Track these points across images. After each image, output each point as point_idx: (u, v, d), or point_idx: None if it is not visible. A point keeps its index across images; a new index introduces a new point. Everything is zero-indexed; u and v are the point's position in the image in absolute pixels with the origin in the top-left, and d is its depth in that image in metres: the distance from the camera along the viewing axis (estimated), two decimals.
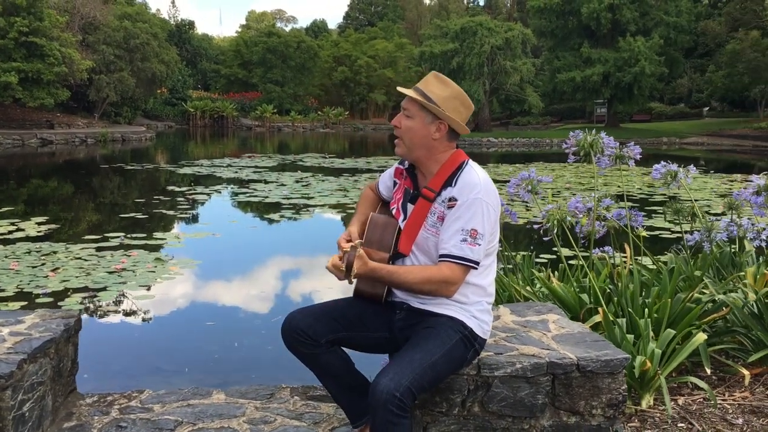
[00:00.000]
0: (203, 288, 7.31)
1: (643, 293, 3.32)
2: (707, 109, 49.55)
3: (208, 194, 14.68)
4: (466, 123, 2.38)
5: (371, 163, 22.80)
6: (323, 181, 17.10)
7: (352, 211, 12.05)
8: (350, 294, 2.50)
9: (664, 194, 14.59)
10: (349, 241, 2.37)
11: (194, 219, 11.72)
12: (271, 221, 11.45)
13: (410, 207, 2.42)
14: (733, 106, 48.27)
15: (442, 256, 2.27)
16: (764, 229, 3.71)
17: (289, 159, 24.63)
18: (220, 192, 15.18)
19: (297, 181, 16.76)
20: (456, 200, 2.30)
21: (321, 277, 7.97)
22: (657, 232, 9.81)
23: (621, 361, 2.28)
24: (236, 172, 19.12)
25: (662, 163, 4.16)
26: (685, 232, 4.26)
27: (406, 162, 2.52)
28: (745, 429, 2.61)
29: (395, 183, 2.57)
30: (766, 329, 3.03)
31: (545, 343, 2.42)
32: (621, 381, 2.29)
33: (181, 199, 13.61)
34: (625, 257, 3.86)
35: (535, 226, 3.71)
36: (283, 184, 16.06)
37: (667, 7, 42.49)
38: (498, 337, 2.52)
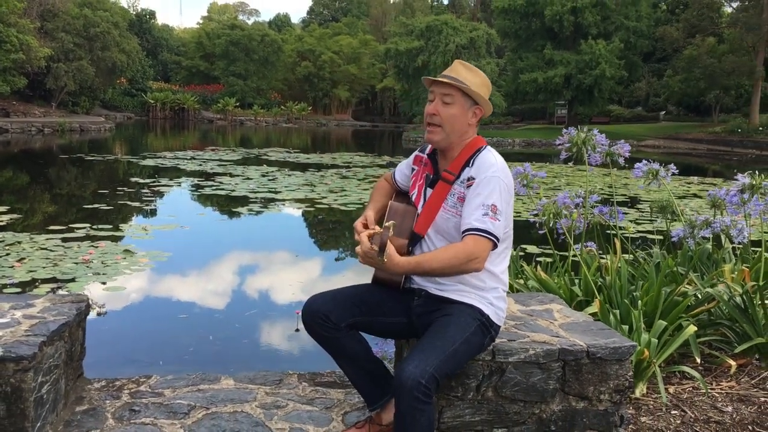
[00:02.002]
0: (174, 280, 7.21)
1: (632, 287, 3.41)
2: (664, 113, 50.67)
3: (173, 186, 14.47)
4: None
5: (336, 159, 22.74)
6: (289, 175, 17.00)
7: (321, 205, 12.11)
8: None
9: (625, 195, 14.89)
10: (365, 225, 2.39)
11: (161, 211, 11.54)
12: (239, 215, 11.34)
13: (430, 191, 2.46)
14: (689, 110, 49.48)
15: (465, 230, 2.30)
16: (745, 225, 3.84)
17: (253, 153, 24.43)
18: (185, 184, 14.97)
19: (263, 175, 16.65)
20: (474, 179, 2.35)
21: (292, 270, 7.95)
22: (621, 232, 10.02)
23: (628, 348, 2.36)
24: (200, 165, 18.89)
25: (644, 161, 4.27)
26: (657, 231, 4.37)
27: (428, 148, 2.56)
28: (734, 416, 2.71)
29: (413, 170, 2.60)
30: (751, 322, 3.14)
31: (553, 330, 2.49)
32: (628, 368, 2.37)
33: (146, 190, 13.40)
34: (601, 254, 3.95)
35: (531, 220, 3.77)
36: (249, 178, 15.93)
37: (628, 11, 43.35)
38: (508, 324, 2.58)
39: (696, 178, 19.25)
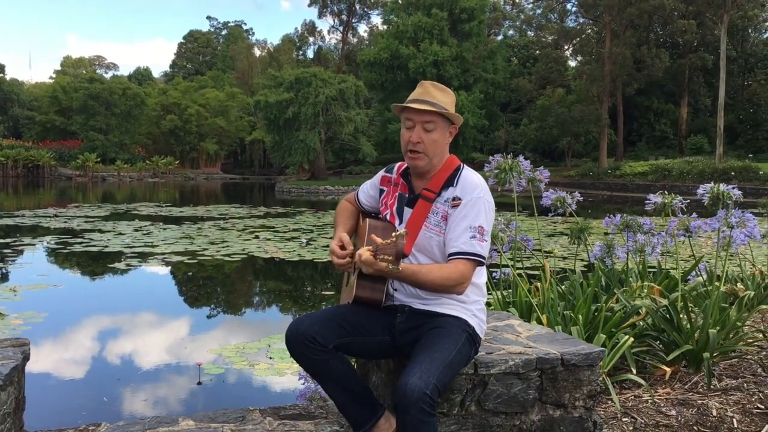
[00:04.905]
0: (54, 341, 6.65)
1: (560, 305, 3.52)
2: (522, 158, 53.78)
3: (38, 245, 13.47)
4: None
5: (212, 211, 22.21)
6: (165, 229, 16.37)
7: (203, 257, 11.68)
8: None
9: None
10: (341, 246, 2.35)
11: (29, 271, 10.66)
12: (116, 270, 10.70)
13: (407, 210, 2.44)
14: (545, 156, 52.86)
15: (453, 254, 2.30)
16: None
17: (121, 208, 23.34)
18: (52, 242, 13.97)
19: (136, 230, 15.90)
20: (460, 199, 2.35)
21: (178, 324, 7.59)
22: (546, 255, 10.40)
23: (598, 353, 2.41)
24: (65, 222, 17.76)
25: (551, 190, 4.48)
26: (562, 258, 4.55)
27: (394, 170, 2.56)
28: (679, 419, 2.85)
29: (381, 191, 2.58)
30: (678, 331, 3.32)
31: (523, 342, 2.51)
32: (598, 373, 2.42)
33: (8, 250, 12.37)
34: (515, 277, 4.05)
35: None
36: (121, 233, 15.15)
37: (485, 65, 46.12)
38: None
39: (559, 218, 20.49)
